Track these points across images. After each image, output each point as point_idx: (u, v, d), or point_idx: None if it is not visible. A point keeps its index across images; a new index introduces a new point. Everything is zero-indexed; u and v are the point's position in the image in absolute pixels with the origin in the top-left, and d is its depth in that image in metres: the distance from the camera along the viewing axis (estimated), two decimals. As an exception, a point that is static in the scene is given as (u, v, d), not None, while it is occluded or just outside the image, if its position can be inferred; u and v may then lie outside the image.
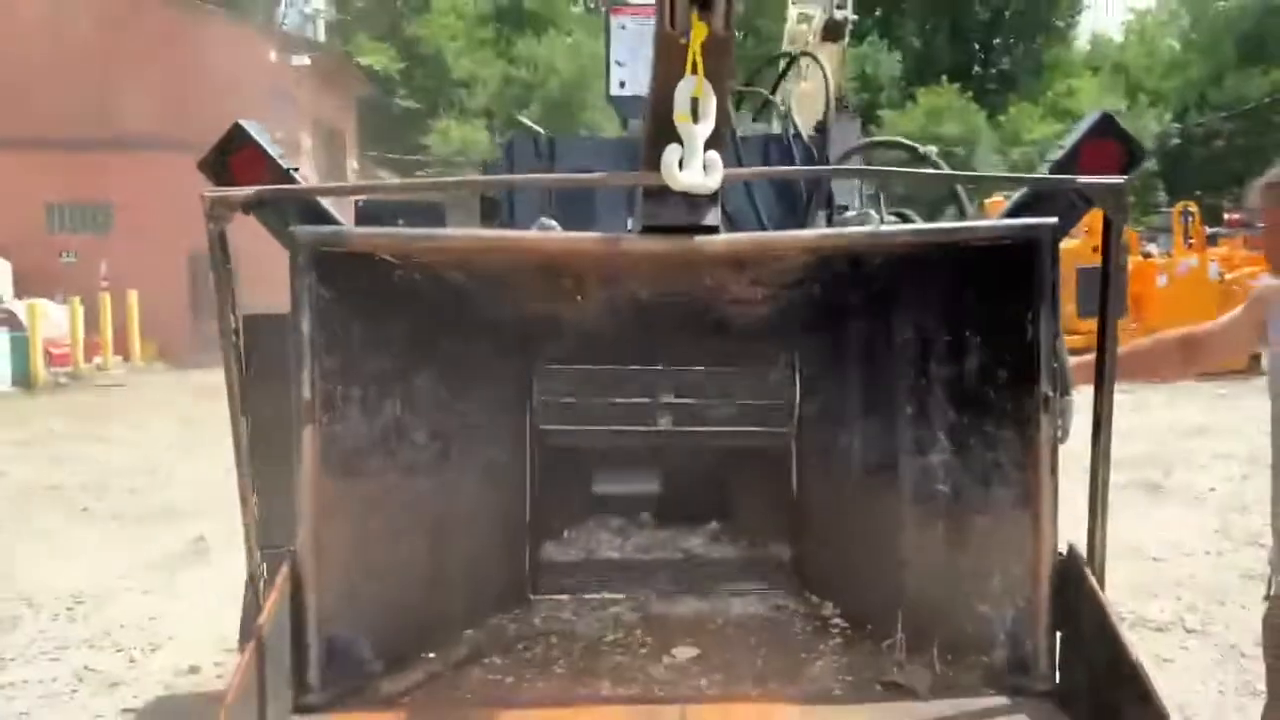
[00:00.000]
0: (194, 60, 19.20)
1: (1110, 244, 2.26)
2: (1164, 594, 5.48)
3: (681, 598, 3.24)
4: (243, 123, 2.56)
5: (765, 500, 3.40)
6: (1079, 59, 48.27)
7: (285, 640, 2.41)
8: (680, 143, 2.05)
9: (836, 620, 3.03)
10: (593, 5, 58.05)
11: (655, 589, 3.27)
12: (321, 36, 25.27)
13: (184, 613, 5.50)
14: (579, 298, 2.81)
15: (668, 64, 2.04)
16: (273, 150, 2.56)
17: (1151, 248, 19.20)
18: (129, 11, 19.74)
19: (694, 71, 1.99)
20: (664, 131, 2.15)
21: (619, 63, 3.22)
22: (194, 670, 4.68)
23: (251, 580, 2.43)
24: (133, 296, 19.21)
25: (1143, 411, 12.00)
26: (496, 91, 43.25)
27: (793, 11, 23.20)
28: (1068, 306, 13.55)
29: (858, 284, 2.79)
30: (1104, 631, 2.23)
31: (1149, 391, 12.64)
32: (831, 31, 21.71)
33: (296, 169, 2.60)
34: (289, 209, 2.54)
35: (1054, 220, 2.39)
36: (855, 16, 20.78)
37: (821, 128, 4.09)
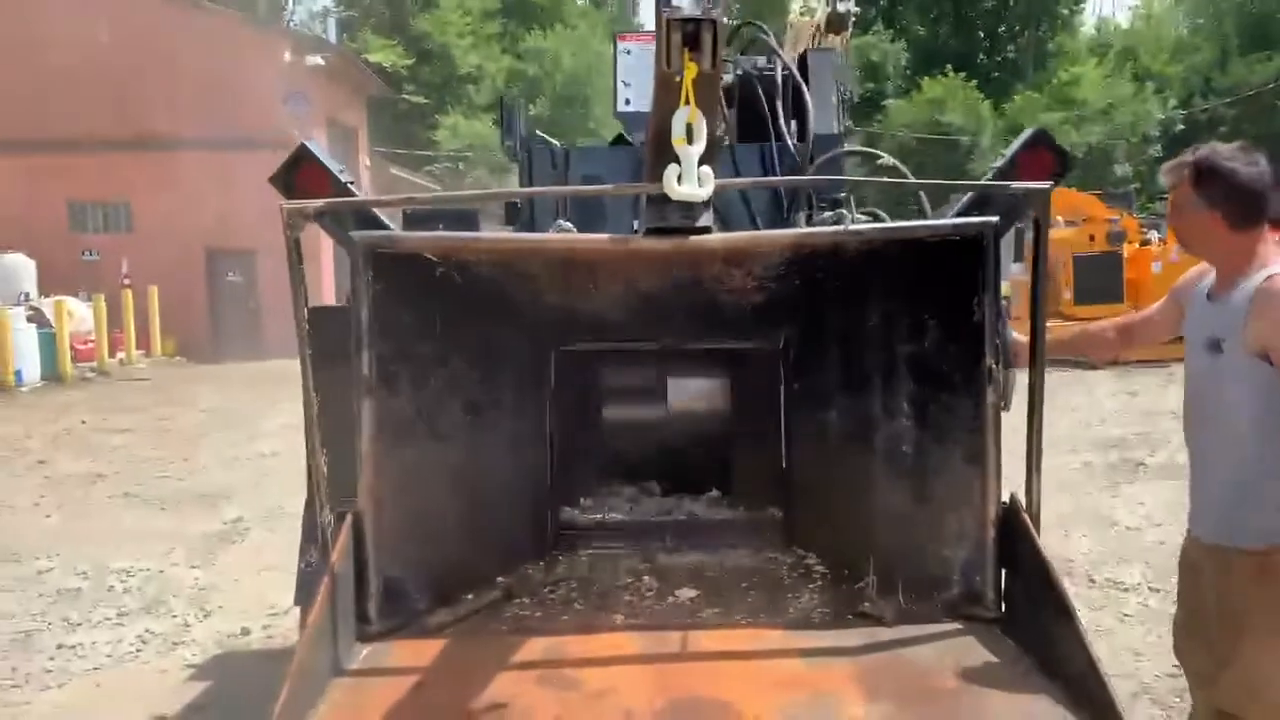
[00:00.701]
0: (211, 62, 19.68)
1: (1039, 240, 2.71)
2: (1134, 560, 5.91)
3: (684, 552, 3.69)
4: (307, 143, 3.01)
5: (758, 469, 3.84)
6: (1085, 44, 48.39)
7: (349, 582, 2.86)
8: (678, 161, 2.48)
9: (818, 568, 3.48)
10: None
11: (660, 545, 3.72)
12: (333, 35, 25.70)
13: (228, 585, 5.97)
14: (593, 289, 3.26)
15: (665, 96, 2.49)
16: (333, 166, 3.00)
17: (1153, 235, 19.50)
18: (147, 14, 20.23)
19: (687, 102, 2.43)
20: (664, 150, 2.60)
21: (625, 83, 3.64)
22: (245, 633, 5.15)
23: (320, 532, 2.86)
24: (153, 293, 19.73)
25: (1142, 395, 12.40)
26: (504, 86, 43.74)
27: (795, 4, 23.67)
28: (1065, 294, 13.97)
29: (834, 275, 3.22)
30: (1036, 563, 2.67)
31: (1148, 376, 13.01)
32: (834, 24, 22.14)
33: (352, 181, 3.04)
34: (348, 216, 2.99)
35: (996, 219, 2.84)
36: (858, 9, 21.26)
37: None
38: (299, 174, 2.98)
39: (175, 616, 5.44)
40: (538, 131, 4.08)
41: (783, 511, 3.82)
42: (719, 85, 2.58)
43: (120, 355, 19.16)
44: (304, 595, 3.94)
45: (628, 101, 3.59)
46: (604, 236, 2.91)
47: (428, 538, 3.07)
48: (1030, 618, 2.74)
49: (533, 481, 3.67)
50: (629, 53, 3.62)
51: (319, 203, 2.67)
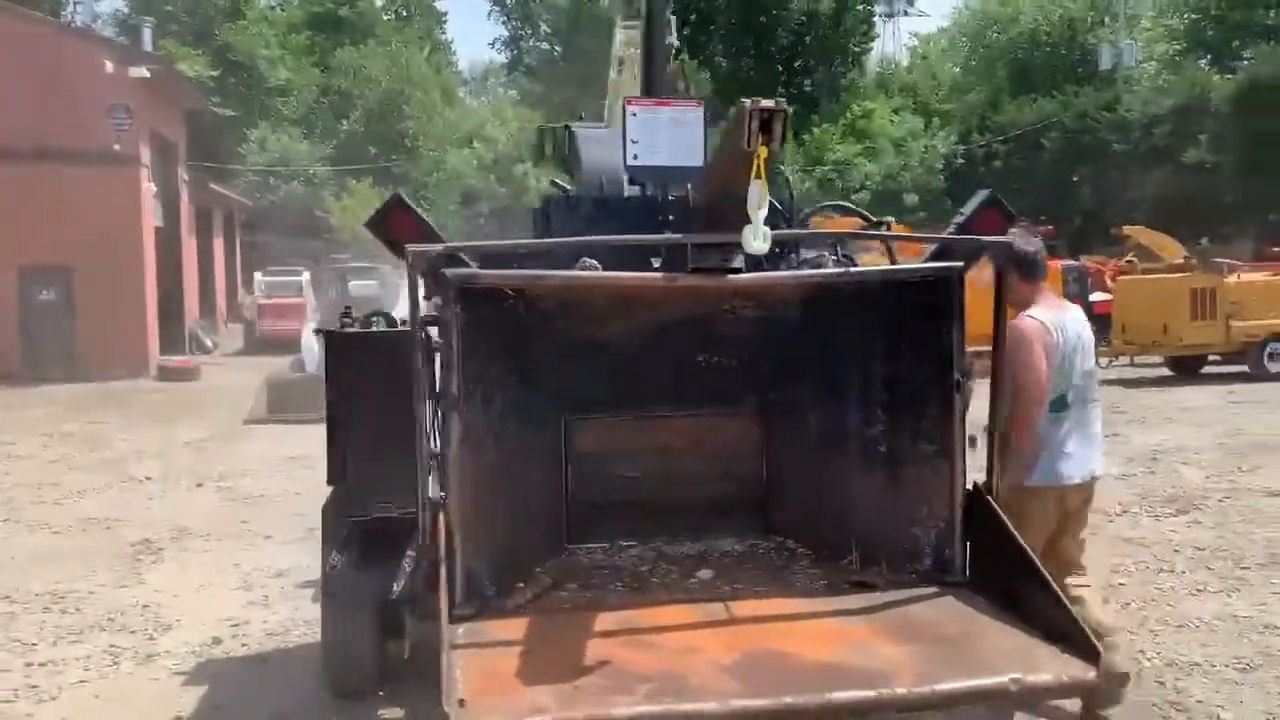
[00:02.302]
0: (26, 71, 18.73)
1: (1002, 280, 3.48)
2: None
3: (680, 542, 4.29)
4: (400, 193, 3.46)
5: (740, 465, 4.48)
6: (872, 82, 51.78)
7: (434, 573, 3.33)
8: (749, 220, 3.10)
9: (801, 550, 4.15)
10: (404, 14, 58.09)
11: (657, 537, 4.31)
12: (149, 45, 24.77)
13: (171, 601, 6.11)
14: (628, 319, 3.84)
15: (735, 168, 3.12)
16: (421, 213, 3.46)
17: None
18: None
19: (758, 176, 3.06)
20: (720, 209, 3.25)
21: (634, 140, 4.22)
22: (217, 641, 5.36)
23: (420, 530, 3.31)
24: (-45, 313, 18.60)
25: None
26: (314, 100, 42.96)
27: (619, 36, 25.21)
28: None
29: (822, 307, 3.92)
30: (1005, 535, 3.43)
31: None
32: None
33: (438, 229, 3.50)
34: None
35: (962, 264, 3.60)
36: (679, 41, 22.34)
37: None
38: (390, 219, 3.42)
39: (134, 632, 5.57)
40: (552, 180, 4.58)
41: (761, 503, 4.47)
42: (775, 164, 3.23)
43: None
44: (332, 595, 4.29)
45: (635, 156, 4.17)
46: (657, 275, 3.50)
47: (489, 534, 3.57)
48: (1000, 579, 3.48)
49: (555, 485, 4.19)
50: (635, 115, 4.21)
51: (439, 247, 3.17)
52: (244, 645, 5.33)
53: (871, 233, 3.79)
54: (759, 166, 3.05)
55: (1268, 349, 15.51)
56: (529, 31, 65.60)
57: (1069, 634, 3.06)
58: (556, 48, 59.81)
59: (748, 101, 3.04)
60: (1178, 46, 44.59)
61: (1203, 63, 42.09)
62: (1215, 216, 31.22)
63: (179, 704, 4.57)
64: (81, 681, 4.89)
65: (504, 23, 64.27)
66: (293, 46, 43.19)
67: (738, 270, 3.50)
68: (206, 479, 9.99)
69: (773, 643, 3.24)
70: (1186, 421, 11.90)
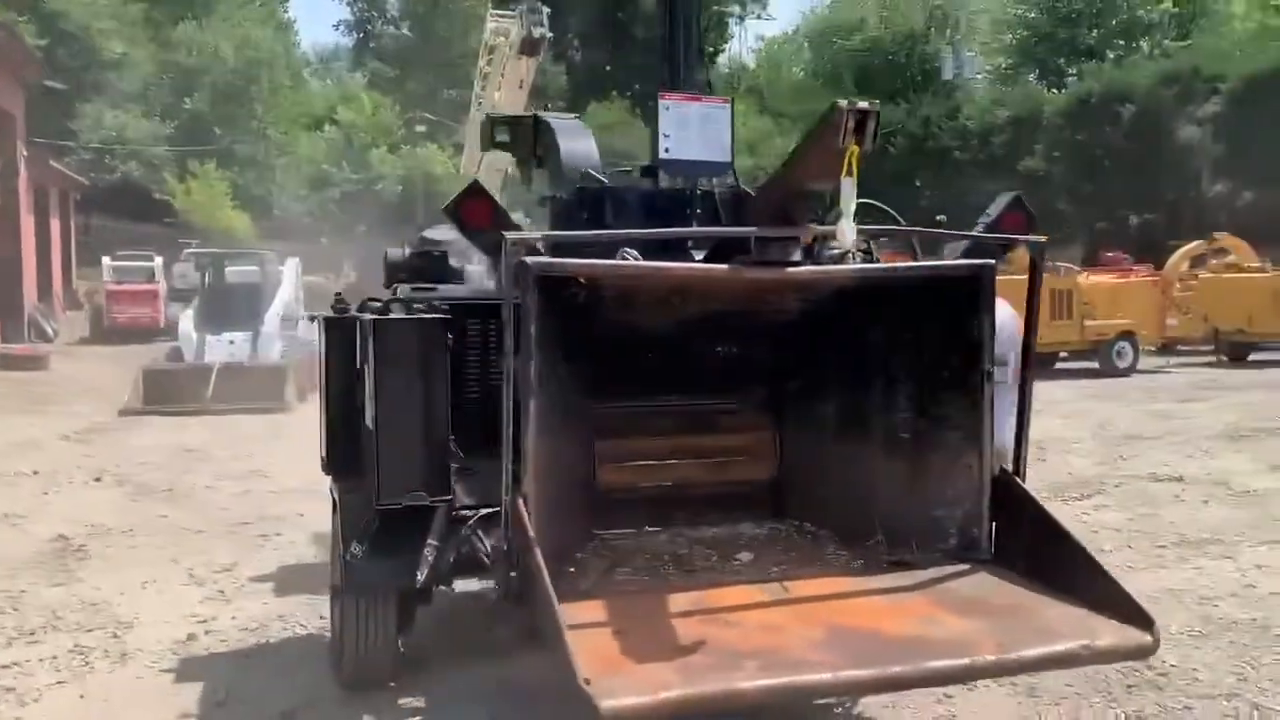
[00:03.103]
0: None
1: (1035, 273, 3.75)
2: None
3: (702, 527, 4.42)
4: (478, 179, 3.45)
5: (753, 452, 4.63)
6: (720, 84, 52.81)
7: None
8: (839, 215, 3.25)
9: (822, 534, 4.34)
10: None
11: (680, 523, 4.43)
12: (-17, 10, 23.08)
13: (118, 599, 5.83)
14: (671, 310, 3.94)
15: (825, 163, 3.26)
16: (498, 199, 3.46)
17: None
18: None
19: (849, 174, 3.22)
20: (789, 204, 3.40)
21: (666, 134, 4.30)
22: (192, 638, 5.16)
23: (504, 515, 3.34)
24: None
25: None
26: (153, 77, 40.82)
27: (490, 24, 25.15)
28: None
29: (855, 300, 4.10)
30: (1038, 514, 3.68)
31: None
32: (529, 47, 23.96)
33: (510, 214, 3.51)
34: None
35: (994, 260, 3.85)
36: (551, 34, 22.89)
37: None
38: (465, 205, 3.41)
39: (92, 630, 5.30)
40: (585, 170, 4.60)
41: (772, 487, 4.64)
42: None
43: None
44: (352, 583, 4.22)
45: (668, 150, 4.26)
46: (723, 266, 3.61)
47: (551, 516, 3.62)
48: (1029, 555, 3.73)
49: (588, 469, 4.26)
50: (669, 109, 4.30)
51: (538, 235, 3.21)
52: (222, 641, 5.15)
53: (919, 229, 3.99)
54: (851, 164, 3.21)
55: (1116, 347, 16.75)
56: (376, 15, 64.12)
57: (1118, 603, 3.32)
58: (406, 31, 58.68)
59: (843, 102, 3.20)
60: (1010, 61, 47.30)
61: (1032, 77, 44.82)
62: (1048, 224, 33.20)
63: (177, 703, 4.40)
64: (59, 683, 4.63)
65: (349, 5, 62.70)
66: (128, 18, 40.93)
67: (798, 263, 3.66)
68: (103, 473, 9.49)
69: (845, 618, 3.40)
70: (1054, 414, 12.70)
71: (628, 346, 4.28)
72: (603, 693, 2.74)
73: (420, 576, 4.14)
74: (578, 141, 5.99)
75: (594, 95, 42.95)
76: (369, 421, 4.20)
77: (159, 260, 24.71)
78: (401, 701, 4.34)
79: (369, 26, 63.68)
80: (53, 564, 6.59)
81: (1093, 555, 3.51)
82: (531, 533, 3.31)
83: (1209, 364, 18.76)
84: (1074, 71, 44.11)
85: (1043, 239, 3.78)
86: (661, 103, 4.28)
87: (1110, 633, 3.21)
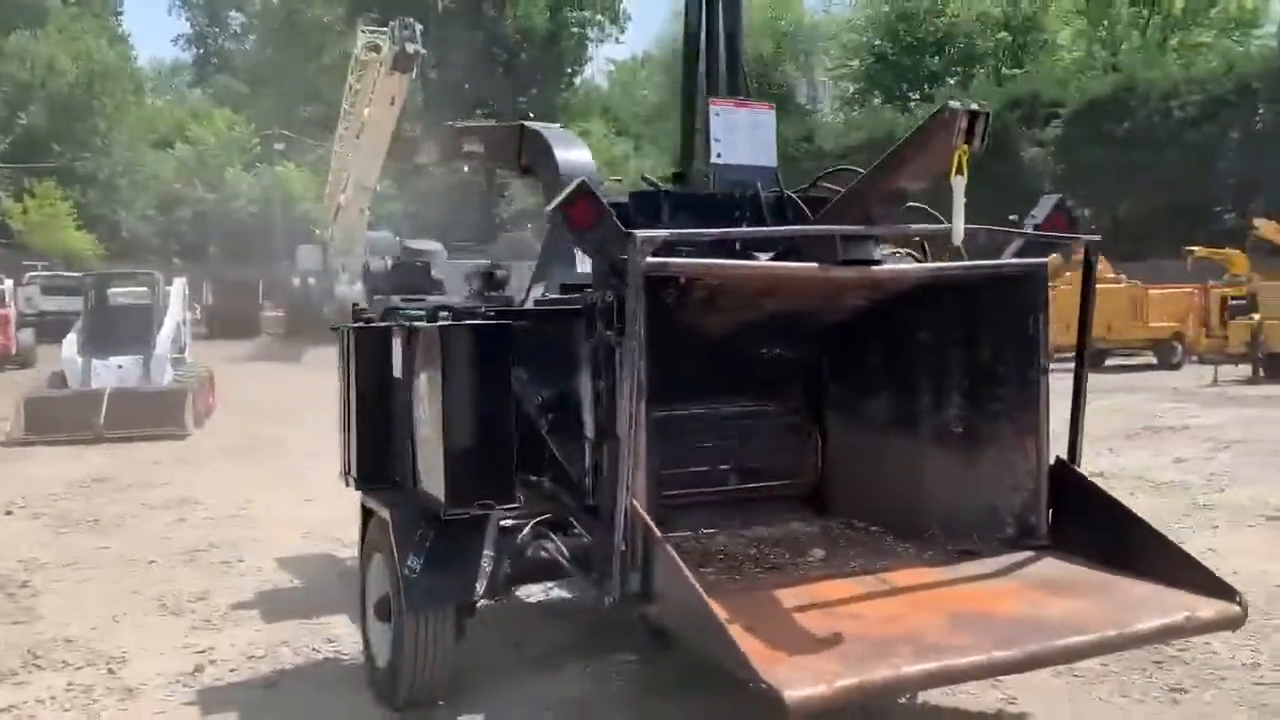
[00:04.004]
0: None
1: (1089, 270, 3.96)
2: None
3: (755, 527, 4.47)
4: (586, 181, 3.42)
5: (797, 450, 4.71)
6: (579, 104, 53.07)
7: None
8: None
9: (874, 529, 4.44)
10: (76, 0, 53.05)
11: (735, 525, 4.47)
12: None
13: (92, 634, 5.45)
14: (756, 309, 3.99)
15: (930, 163, 3.38)
16: (603, 198, 3.44)
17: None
18: None
19: (959, 173, 3.34)
20: (880, 204, 3.52)
21: (716, 139, 4.34)
22: (198, 669, 4.87)
23: (624, 519, 3.32)
24: None
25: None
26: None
27: (361, 40, 25.01)
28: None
29: (909, 300, 4.23)
30: (1101, 498, 3.88)
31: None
32: (401, 63, 23.98)
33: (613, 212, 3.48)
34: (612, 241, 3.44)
35: (1046, 260, 4.05)
36: (424, 50, 22.90)
37: None
38: (575, 208, 3.38)
39: (81, 668, 4.93)
40: (644, 175, 4.58)
41: (814, 488, 4.72)
42: None
43: None
44: (413, 599, 4.09)
45: (719, 155, 4.30)
46: (812, 265, 3.68)
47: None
48: (1091, 538, 3.92)
49: (651, 476, 4.25)
50: (719, 114, 4.34)
51: (663, 233, 3.21)
52: (233, 670, 4.88)
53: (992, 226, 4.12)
54: (961, 163, 3.34)
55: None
56: (217, 30, 62.03)
57: (1198, 578, 3.54)
58: (247, 47, 56.94)
59: (955, 104, 3.33)
60: (858, 86, 49.20)
61: (877, 102, 46.69)
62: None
63: (220, 734, 4.16)
64: (72, 722, 4.32)
65: (188, 20, 60.55)
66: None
67: (878, 263, 3.77)
68: (11, 506, 8.83)
69: (955, 605, 3.51)
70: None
71: (681, 349, 4.31)
72: (782, 684, 2.75)
73: (479, 589, 4.06)
74: (572, 150, 5.97)
75: (453, 114, 42.50)
76: (429, 431, 4.09)
77: (9, 283, 23.16)
78: (465, 718, 4.22)
79: (209, 41, 61.59)
80: (2, 602, 6.11)
81: (1165, 535, 3.72)
82: (658, 532, 3.30)
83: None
84: (917, 96, 46.33)
85: (1097, 238, 4.00)
86: (712, 108, 4.33)
87: (1204, 605, 3.41)
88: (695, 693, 4.39)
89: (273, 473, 10.34)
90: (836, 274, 3.69)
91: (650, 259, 3.34)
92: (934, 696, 4.26)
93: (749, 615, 3.31)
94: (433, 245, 5.71)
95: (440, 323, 4.05)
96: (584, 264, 5.66)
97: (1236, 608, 3.42)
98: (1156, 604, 3.44)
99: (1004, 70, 41.80)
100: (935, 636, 3.19)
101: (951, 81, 44.76)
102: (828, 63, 52.05)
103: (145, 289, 13.78)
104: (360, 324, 4.80)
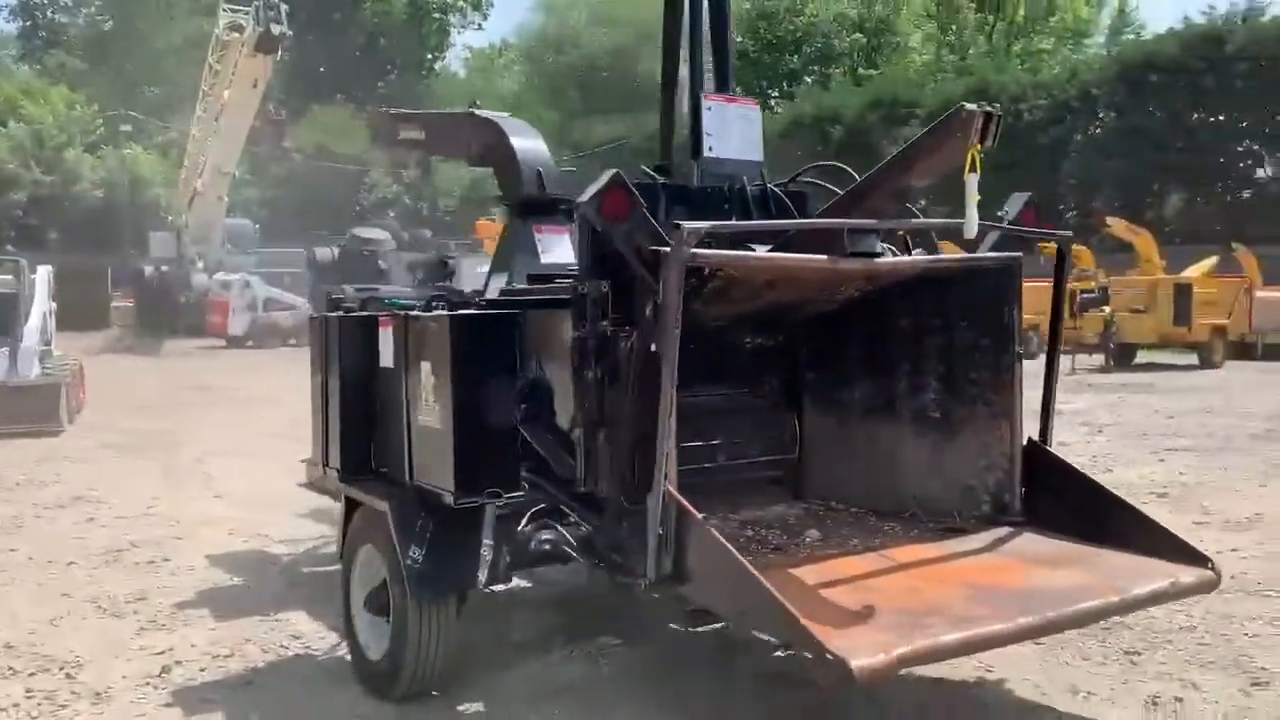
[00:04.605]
0: None
1: (1062, 262, 4.24)
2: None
3: (742, 510, 4.60)
4: (620, 172, 3.46)
5: (771, 436, 4.85)
6: (441, 92, 52.19)
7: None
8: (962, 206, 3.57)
9: (853, 510, 4.63)
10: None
11: (720, 509, 4.58)
12: None
13: (32, 638, 5.18)
14: (760, 299, 4.11)
15: (941, 162, 3.58)
16: (636, 192, 3.48)
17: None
18: None
19: (972, 170, 3.55)
20: (888, 199, 3.70)
21: (709, 133, 4.42)
22: (166, 670, 4.70)
23: (663, 512, 3.41)
24: None
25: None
26: None
27: (223, 19, 24.43)
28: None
29: (893, 291, 4.43)
30: (1074, 476, 4.16)
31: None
32: (265, 44, 23.53)
33: (645, 205, 3.52)
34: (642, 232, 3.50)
35: (1021, 254, 4.31)
36: (290, 31, 22.49)
37: None
38: (608, 199, 3.42)
39: (35, 675, 4.69)
40: (643, 167, 4.60)
41: (793, 472, 4.88)
42: None
43: None
44: (418, 589, 4.07)
45: (710, 149, 4.39)
46: (823, 257, 3.82)
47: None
48: (1066, 514, 4.18)
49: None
50: (710, 109, 4.43)
51: (707, 225, 3.31)
52: (202, 671, 4.72)
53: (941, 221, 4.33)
54: (975, 161, 3.54)
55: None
56: (46, 1, 58.48)
57: (1172, 547, 3.84)
58: (80, 21, 53.96)
59: (971, 106, 3.53)
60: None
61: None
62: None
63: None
64: (46, 729, 4.13)
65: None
66: None
67: (880, 255, 3.96)
68: (-111, 508, 8.24)
69: (963, 578, 3.72)
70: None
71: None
72: (847, 654, 2.89)
73: (481, 577, 4.07)
74: (529, 140, 5.99)
75: (312, 98, 41.36)
76: (432, 421, 4.07)
77: None
78: (462, 708, 4.22)
79: (37, 15, 57.99)
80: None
81: (1138, 508, 4.03)
82: (698, 515, 3.40)
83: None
84: (776, 94, 47.49)
85: (1069, 234, 4.28)
86: (704, 103, 4.43)
87: (1184, 572, 3.71)
88: (685, 672, 4.52)
89: (170, 470, 9.94)
90: (844, 266, 3.85)
91: (695, 250, 3.43)
92: (916, 669, 4.48)
93: (784, 593, 3.43)
94: (380, 234, 5.58)
95: (451, 312, 4.03)
96: (548, 254, 5.73)
97: (1211, 573, 3.74)
98: (1142, 572, 3.72)
99: (860, 70, 43.20)
100: (959, 608, 3.38)
101: (810, 80, 46.07)
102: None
103: (10, 277, 12.97)
104: (340, 314, 4.72)
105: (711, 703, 4.22)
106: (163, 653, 4.95)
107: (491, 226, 18.90)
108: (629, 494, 3.66)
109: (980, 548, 4.06)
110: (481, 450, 3.98)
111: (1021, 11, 42.08)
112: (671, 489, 3.45)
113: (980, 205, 3.64)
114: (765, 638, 4.38)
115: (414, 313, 4.33)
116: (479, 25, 59.72)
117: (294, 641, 5.10)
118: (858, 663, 2.88)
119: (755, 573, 3.16)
